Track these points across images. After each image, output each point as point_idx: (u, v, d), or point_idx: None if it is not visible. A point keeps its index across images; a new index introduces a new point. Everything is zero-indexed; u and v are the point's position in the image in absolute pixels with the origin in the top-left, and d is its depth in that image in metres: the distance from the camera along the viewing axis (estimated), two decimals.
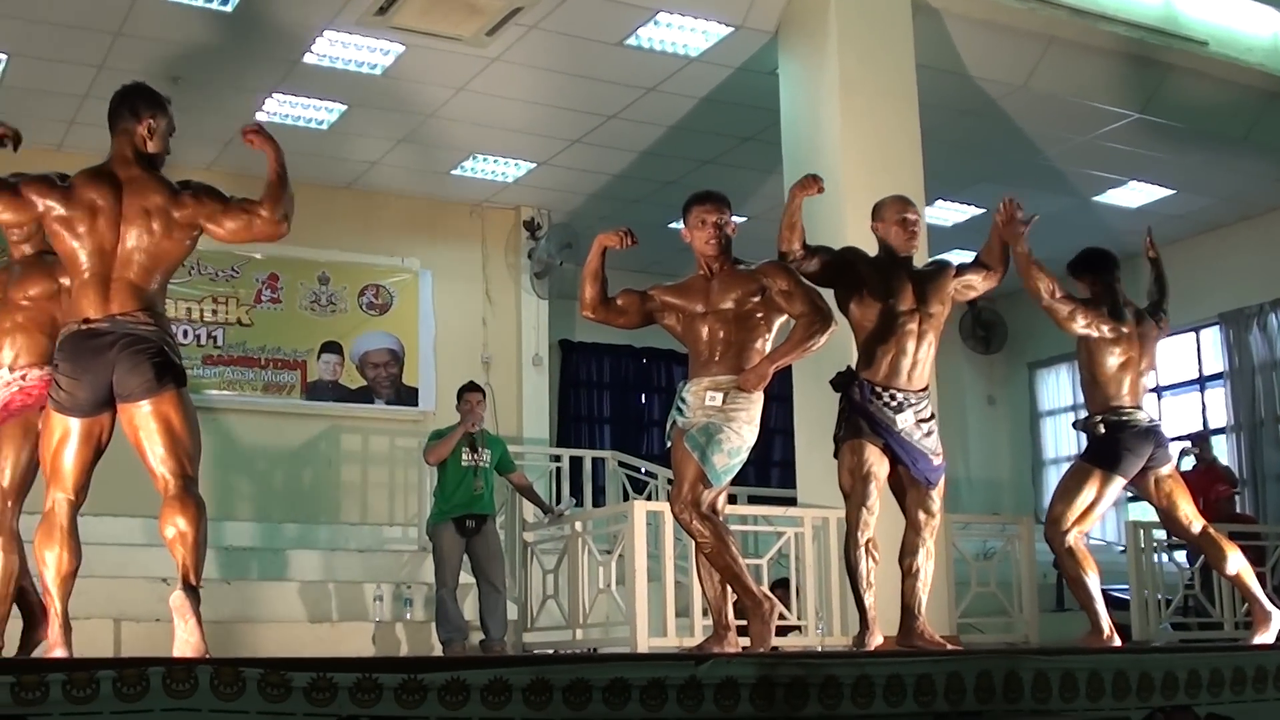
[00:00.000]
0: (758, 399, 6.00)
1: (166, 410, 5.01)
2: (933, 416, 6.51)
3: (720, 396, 5.96)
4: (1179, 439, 14.36)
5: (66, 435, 5.07)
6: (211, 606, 9.70)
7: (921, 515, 6.47)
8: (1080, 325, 7.25)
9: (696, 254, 6.19)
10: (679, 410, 6.04)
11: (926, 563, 6.46)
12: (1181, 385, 15.80)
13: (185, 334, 12.40)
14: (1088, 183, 13.60)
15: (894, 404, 6.37)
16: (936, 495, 6.50)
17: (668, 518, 8.49)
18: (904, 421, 6.36)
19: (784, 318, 6.07)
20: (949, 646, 6.27)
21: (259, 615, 9.76)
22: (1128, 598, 9.73)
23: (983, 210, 14.15)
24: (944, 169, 11.51)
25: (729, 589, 6.05)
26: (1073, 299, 7.28)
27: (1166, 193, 13.93)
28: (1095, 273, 7.46)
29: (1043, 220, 14.93)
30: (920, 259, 8.09)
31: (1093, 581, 7.15)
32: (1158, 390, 15.75)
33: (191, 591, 4.88)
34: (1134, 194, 13.97)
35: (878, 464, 6.37)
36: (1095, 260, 7.54)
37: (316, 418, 13.06)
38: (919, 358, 6.44)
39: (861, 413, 6.38)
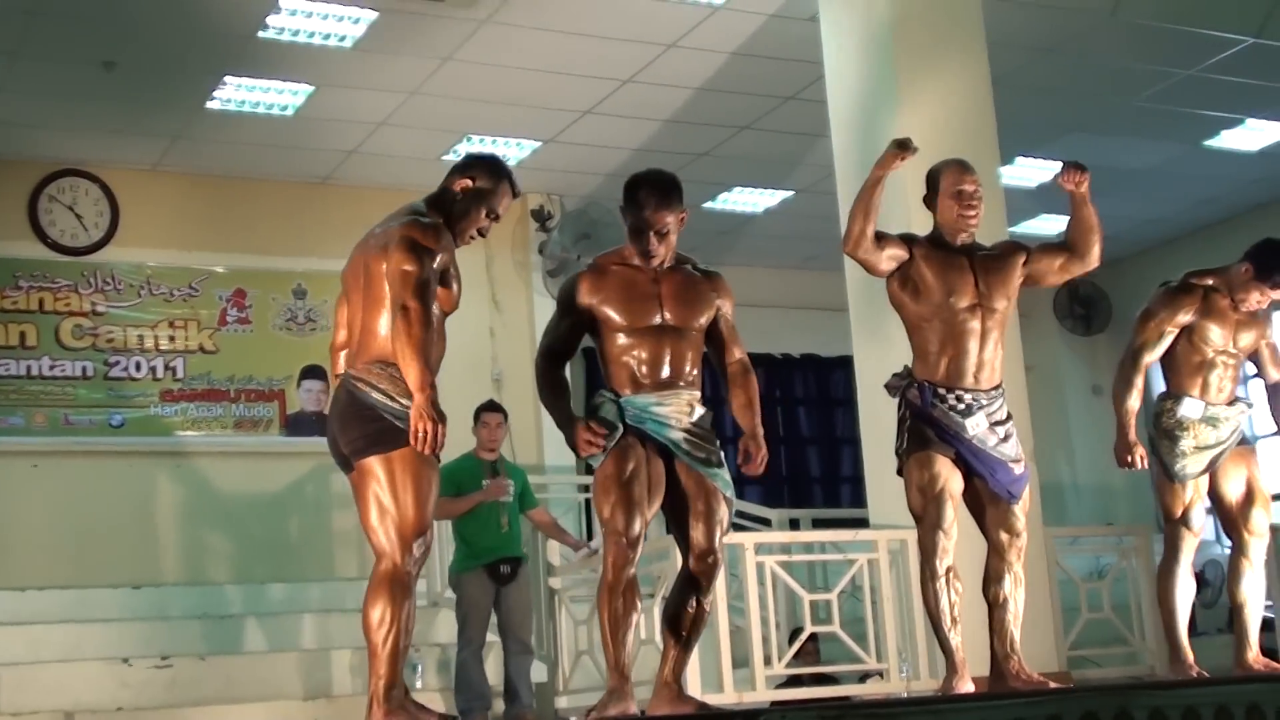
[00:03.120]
0: None
1: (362, 477, 5.56)
2: (1010, 418, 6.54)
3: (708, 418, 6.08)
4: None
5: None
6: (186, 688, 9.84)
7: (1004, 536, 6.48)
8: None
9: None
10: (661, 424, 6.00)
11: (1015, 590, 6.47)
12: None
13: (138, 366, 12.55)
14: (1196, 125, 13.56)
15: (961, 407, 6.40)
16: (1020, 511, 6.50)
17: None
18: (975, 427, 6.40)
19: None
20: (1051, 686, 6.27)
21: (244, 694, 9.80)
22: (1273, 615, 9.71)
23: None
24: (1023, 120, 11.50)
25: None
26: None
27: None
28: None
29: (1149, 173, 14.99)
30: (997, 228, 8.15)
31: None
32: None
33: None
34: (1253, 134, 13.91)
35: (951, 478, 6.41)
36: None
37: (300, 456, 13.08)
38: (984, 358, 6.48)
39: (925, 420, 6.43)
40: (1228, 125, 13.69)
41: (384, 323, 5.54)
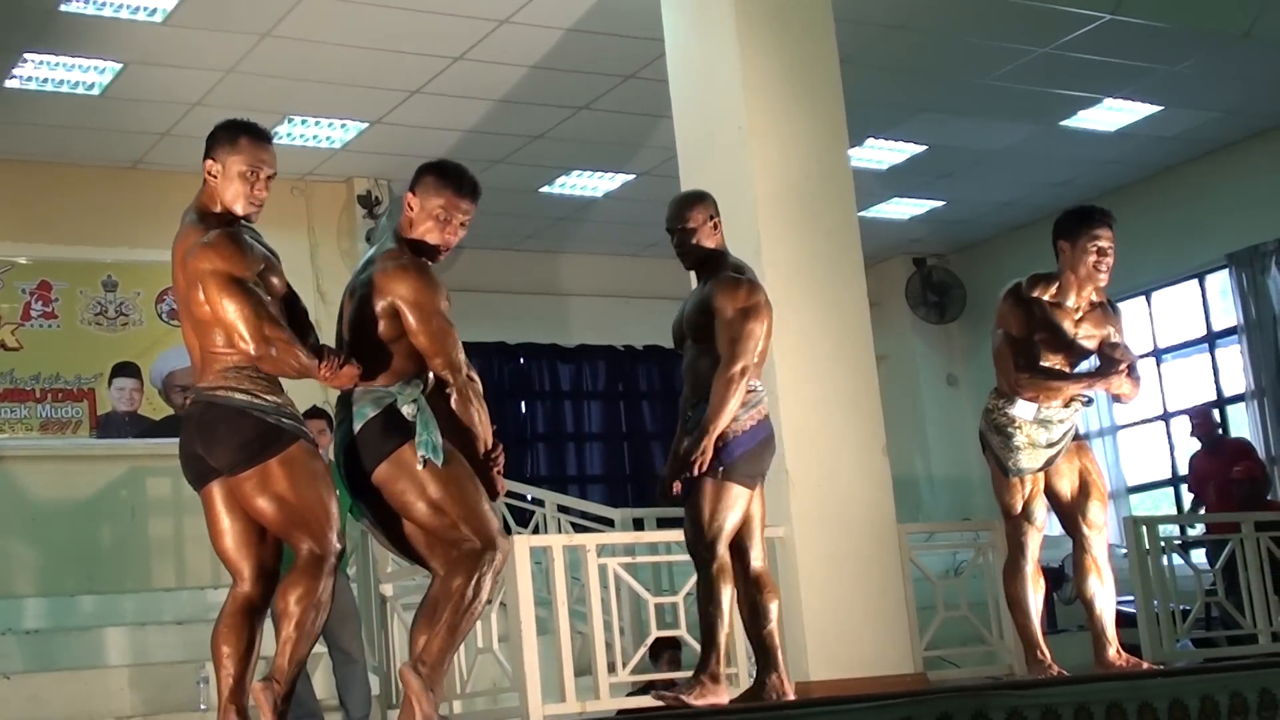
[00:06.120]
0: None
1: (260, 483, 5.55)
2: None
3: None
4: (1184, 412, 14.46)
5: None
6: None
7: None
8: None
9: (425, 239, 5.99)
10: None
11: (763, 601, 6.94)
12: (1187, 345, 16.05)
13: None
14: (1053, 104, 13.80)
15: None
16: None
17: (558, 554, 8.56)
18: None
19: None
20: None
21: (53, 715, 9.71)
22: (1134, 611, 9.88)
23: (924, 147, 14.31)
24: (873, 101, 11.63)
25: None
26: None
27: (1152, 109, 14.16)
28: None
29: (1003, 154, 15.18)
30: (846, 213, 8.36)
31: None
32: (1156, 354, 15.95)
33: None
34: (1111, 114, 14.19)
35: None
36: None
37: (112, 459, 12.99)
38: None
39: None
40: (1085, 105, 13.93)
41: (218, 339, 5.51)
